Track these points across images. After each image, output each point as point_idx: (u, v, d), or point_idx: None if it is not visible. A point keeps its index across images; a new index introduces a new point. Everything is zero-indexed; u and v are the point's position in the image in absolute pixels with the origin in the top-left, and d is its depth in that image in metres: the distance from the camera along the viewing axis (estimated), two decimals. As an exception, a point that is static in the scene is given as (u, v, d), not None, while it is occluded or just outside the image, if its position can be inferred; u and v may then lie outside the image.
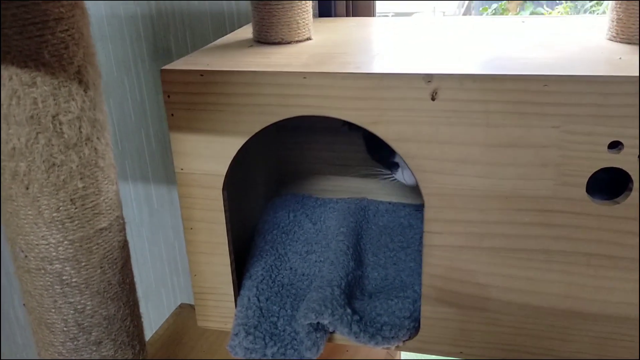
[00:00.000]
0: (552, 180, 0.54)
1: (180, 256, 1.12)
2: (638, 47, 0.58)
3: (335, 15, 0.86)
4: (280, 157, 0.89)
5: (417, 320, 0.63)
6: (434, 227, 0.58)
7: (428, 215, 0.58)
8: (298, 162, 0.89)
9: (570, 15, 0.75)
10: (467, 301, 0.60)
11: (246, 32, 0.75)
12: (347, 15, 0.87)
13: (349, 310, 0.63)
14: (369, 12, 0.88)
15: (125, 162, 1.05)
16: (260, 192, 0.85)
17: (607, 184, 0.55)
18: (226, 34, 0.91)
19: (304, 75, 0.56)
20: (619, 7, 0.60)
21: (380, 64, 0.58)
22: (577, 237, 0.55)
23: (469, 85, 0.52)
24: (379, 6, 0.91)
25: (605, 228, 0.54)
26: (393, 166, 0.76)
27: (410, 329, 0.63)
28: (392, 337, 0.62)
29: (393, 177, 0.77)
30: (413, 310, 0.64)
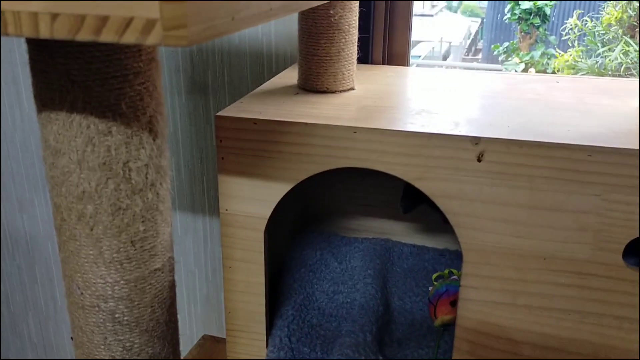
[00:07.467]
0: (589, 245, 0.56)
1: (199, 285, 1.13)
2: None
3: (372, 61, 0.89)
4: (306, 195, 0.91)
5: (447, 370, 0.65)
6: (470, 282, 0.60)
7: (466, 269, 0.60)
8: (323, 200, 0.91)
9: (599, 77, 0.78)
10: (498, 356, 0.62)
11: (288, 77, 0.77)
12: (383, 61, 0.90)
13: (380, 358, 0.64)
14: (404, 59, 0.91)
15: (153, 189, 1.07)
16: (287, 228, 0.86)
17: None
18: (263, 74, 0.93)
19: (354, 129, 0.58)
20: (656, 79, 0.63)
21: (428, 122, 0.60)
22: (611, 300, 0.57)
23: (515, 149, 0.55)
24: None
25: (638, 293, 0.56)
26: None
27: (439, 379, 0.65)
28: (422, 386, 0.64)
29: None
30: (443, 360, 0.65)
